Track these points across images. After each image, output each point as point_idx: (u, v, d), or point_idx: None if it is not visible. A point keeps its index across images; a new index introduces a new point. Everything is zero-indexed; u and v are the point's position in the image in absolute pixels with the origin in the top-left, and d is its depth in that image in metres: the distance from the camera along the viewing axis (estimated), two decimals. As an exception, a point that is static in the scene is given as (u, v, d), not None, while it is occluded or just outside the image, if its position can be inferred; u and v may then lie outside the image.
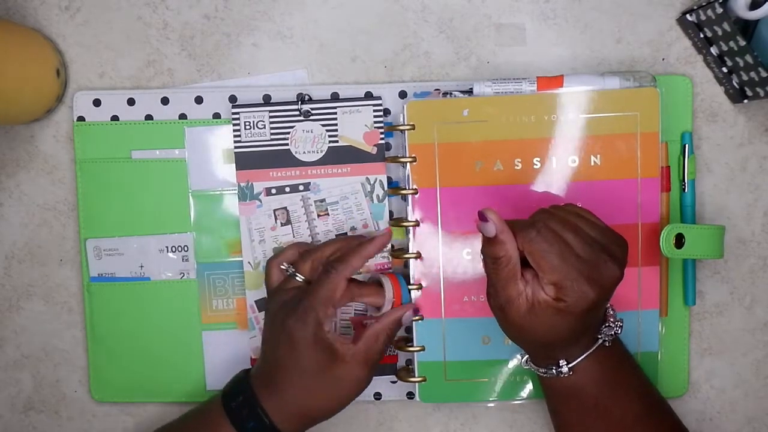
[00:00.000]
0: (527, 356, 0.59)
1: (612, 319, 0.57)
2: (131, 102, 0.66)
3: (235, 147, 0.64)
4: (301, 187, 0.64)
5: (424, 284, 0.63)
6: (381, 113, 0.64)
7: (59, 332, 0.69)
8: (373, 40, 0.66)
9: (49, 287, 0.69)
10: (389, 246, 0.64)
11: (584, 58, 0.65)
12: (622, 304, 0.63)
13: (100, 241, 0.67)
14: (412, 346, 0.64)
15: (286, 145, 0.64)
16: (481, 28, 0.65)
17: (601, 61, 0.65)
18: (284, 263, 0.62)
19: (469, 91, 0.63)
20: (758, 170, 0.66)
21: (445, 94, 0.63)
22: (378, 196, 0.64)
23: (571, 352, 0.56)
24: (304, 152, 0.64)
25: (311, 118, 0.63)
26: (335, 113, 0.64)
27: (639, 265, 0.63)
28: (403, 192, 0.63)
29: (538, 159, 0.62)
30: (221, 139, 0.66)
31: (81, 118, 0.66)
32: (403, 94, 0.65)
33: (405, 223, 0.63)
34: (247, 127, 0.64)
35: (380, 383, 0.67)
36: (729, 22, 0.58)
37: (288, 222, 0.65)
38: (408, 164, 0.63)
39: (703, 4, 0.59)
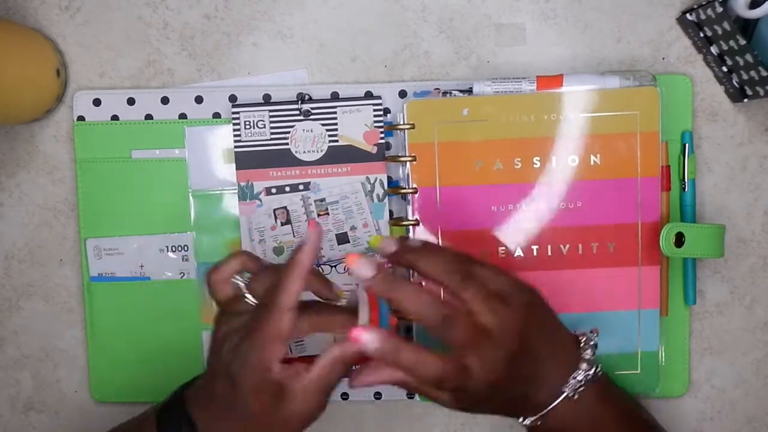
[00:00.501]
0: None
1: (584, 338, 0.55)
2: (131, 102, 0.66)
3: (235, 146, 0.64)
4: (301, 187, 0.64)
5: (423, 284, 0.63)
6: (381, 112, 0.64)
7: (59, 332, 0.69)
8: (373, 40, 0.66)
9: (49, 287, 0.69)
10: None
11: (584, 57, 0.65)
12: (622, 303, 0.63)
13: (100, 241, 0.67)
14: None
15: (287, 144, 0.64)
16: (481, 27, 0.65)
17: (601, 61, 0.65)
18: (237, 277, 0.55)
19: (469, 91, 0.63)
20: (758, 169, 0.66)
21: (444, 93, 0.63)
22: (378, 195, 0.64)
23: (555, 379, 0.53)
24: (304, 152, 0.64)
25: (311, 117, 0.63)
26: (335, 113, 0.64)
27: (639, 265, 0.63)
28: (403, 191, 0.63)
29: (538, 158, 0.62)
30: (221, 139, 0.66)
31: (81, 118, 0.66)
32: (403, 94, 0.65)
33: (405, 223, 0.63)
34: (248, 126, 0.64)
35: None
36: (729, 21, 0.58)
37: (288, 221, 0.65)
38: (408, 163, 0.63)
39: (703, 3, 0.59)
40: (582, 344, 0.55)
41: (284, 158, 0.64)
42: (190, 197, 0.66)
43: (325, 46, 0.66)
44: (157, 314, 0.67)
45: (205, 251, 0.66)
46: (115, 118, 0.66)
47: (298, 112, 0.64)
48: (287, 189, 0.65)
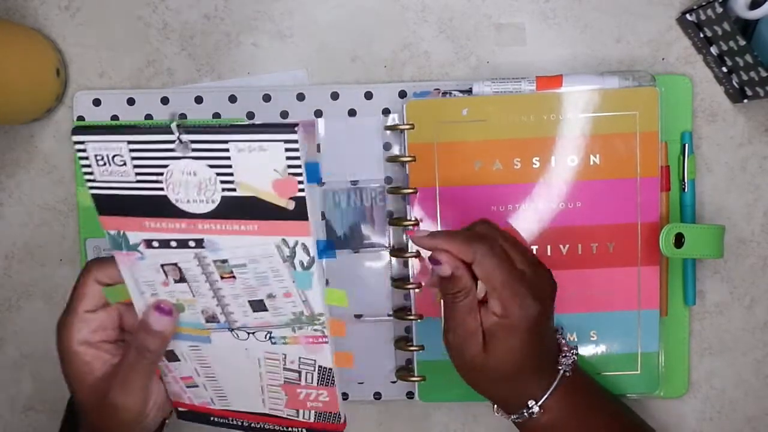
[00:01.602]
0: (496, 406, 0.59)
1: (566, 348, 0.58)
2: (131, 102, 0.66)
3: (90, 188, 0.47)
4: (192, 243, 0.47)
5: (423, 283, 0.63)
6: (297, 151, 0.42)
7: (59, 332, 0.69)
8: (373, 40, 0.66)
9: (49, 287, 0.69)
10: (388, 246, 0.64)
11: (584, 57, 0.65)
12: (621, 303, 0.63)
13: (100, 241, 0.67)
14: (411, 345, 0.64)
15: (161, 189, 0.46)
16: (481, 28, 0.65)
17: (600, 61, 0.65)
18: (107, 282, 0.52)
19: (469, 91, 0.63)
20: (758, 170, 0.66)
21: (444, 93, 0.63)
22: (302, 262, 0.47)
23: (534, 389, 0.56)
24: (188, 201, 0.46)
25: (191, 155, 0.44)
26: (227, 150, 0.44)
27: (639, 265, 0.63)
28: (403, 191, 0.63)
29: (538, 158, 0.62)
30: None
31: (81, 118, 0.66)
32: (402, 94, 0.65)
33: (404, 223, 0.63)
34: (101, 162, 0.46)
35: (380, 383, 0.67)
36: (729, 22, 0.58)
37: (183, 280, 0.49)
38: (407, 163, 0.63)
39: (703, 3, 0.59)
40: (564, 356, 0.58)
41: (162, 207, 0.46)
42: (190, 197, 0.66)
43: (325, 46, 0.66)
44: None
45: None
46: (115, 118, 0.66)
47: (170, 146, 0.44)
48: (173, 244, 0.47)
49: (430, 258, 0.54)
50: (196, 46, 0.66)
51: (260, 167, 0.43)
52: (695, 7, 0.61)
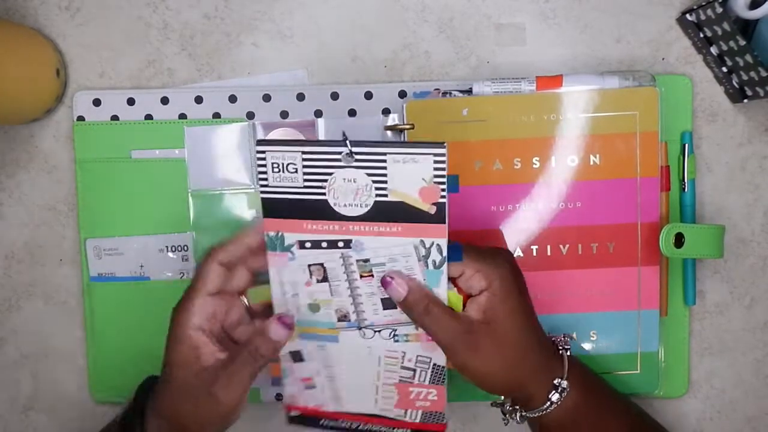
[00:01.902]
0: (518, 409, 0.58)
1: (560, 339, 0.58)
2: (131, 102, 0.66)
3: (261, 192, 0.53)
4: (340, 244, 0.53)
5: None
6: (443, 165, 0.50)
7: (59, 332, 0.69)
8: (373, 40, 0.66)
9: (49, 287, 0.69)
10: None
11: (584, 57, 0.65)
12: (621, 303, 0.63)
13: (100, 241, 0.67)
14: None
15: (324, 195, 0.52)
16: (481, 28, 0.65)
17: (600, 61, 0.65)
18: (243, 298, 0.57)
19: (469, 91, 0.63)
20: (758, 170, 0.66)
21: (444, 93, 0.63)
22: (435, 261, 0.52)
23: (552, 367, 0.56)
24: (345, 205, 0.52)
25: (353, 165, 0.51)
26: (384, 161, 0.50)
27: (639, 265, 0.63)
28: (399, 127, 0.63)
29: (538, 158, 0.62)
30: (221, 139, 0.66)
31: (81, 118, 0.66)
32: (402, 94, 0.65)
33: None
34: (276, 169, 0.52)
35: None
36: (729, 22, 0.58)
37: (325, 279, 0.55)
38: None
39: (703, 3, 0.59)
40: (560, 350, 0.58)
41: (321, 210, 0.53)
42: (190, 197, 0.66)
43: (325, 46, 0.66)
44: (157, 314, 0.67)
45: (205, 251, 0.66)
46: (115, 118, 0.66)
47: (337, 156, 0.51)
48: (324, 245, 0.54)
49: (381, 280, 0.54)
50: (196, 46, 0.66)
51: (411, 176, 0.50)
52: (695, 7, 0.61)
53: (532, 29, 0.65)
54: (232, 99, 0.66)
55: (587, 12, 0.65)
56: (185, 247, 0.67)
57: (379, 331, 0.56)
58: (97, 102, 0.66)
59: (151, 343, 0.67)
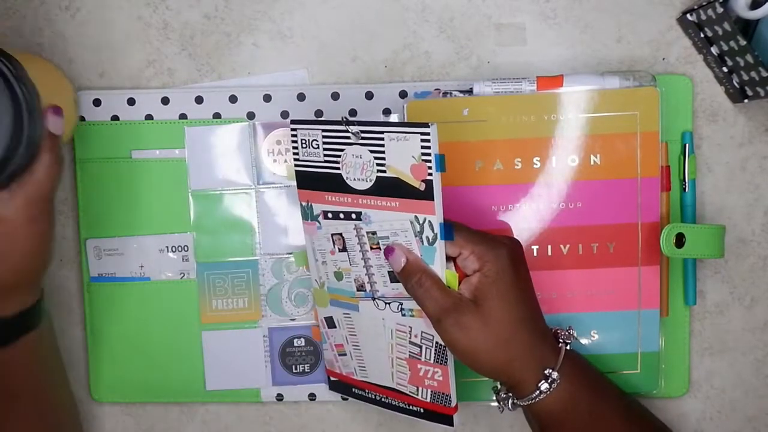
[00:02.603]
0: (511, 396, 0.58)
1: (562, 332, 0.59)
2: (131, 102, 0.66)
3: (295, 165, 0.60)
4: (353, 216, 0.58)
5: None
6: (429, 144, 0.53)
7: (59, 332, 0.69)
8: (373, 40, 0.66)
9: (49, 287, 0.69)
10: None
11: (584, 57, 0.65)
12: (622, 303, 0.63)
13: (100, 241, 0.67)
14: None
15: (338, 169, 0.57)
16: (481, 28, 0.65)
17: (601, 61, 0.65)
18: None
19: (469, 91, 0.63)
20: (758, 170, 0.66)
21: (445, 93, 0.63)
22: (428, 238, 0.55)
23: (545, 356, 0.56)
24: (354, 179, 0.57)
25: (360, 142, 0.56)
26: (382, 139, 0.55)
27: (639, 265, 0.63)
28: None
29: (538, 158, 0.62)
30: (221, 139, 0.66)
31: (81, 118, 0.66)
32: (403, 94, 0.65)
33: None
34: (304, 145, 0.58)
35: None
36: (729, 22, 0.58)
37: (344, 249, 0.59)
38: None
39: (704, 3, 0.59)
40: (560, 343, 0.58)
41: (337, 183, 0.58)
42: (190, 197, 0.66)
43: (325, 46, 0.66)
44: (157, 314, 0.67)
45: (205, 251, 0.66)
46: (115, 118, 0.66)
47: (348, 134, 0.56)
48: (341, 216, 0.58)
49: (384, 249, 0.56)
50: (196, 46, 0.66)
51: (403, 153, 0.54)
52: (696, 7, 0.61)
53: (533, 29, 0.65)
54: (233, 99, 0.66)
55: (587, 12, 0.65)
56: (185, 247, 0.67)
57: (389, 303, 0.59)
58: (97, 102, 0.66)
59: (151, 344, 0.68)
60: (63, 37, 0.66)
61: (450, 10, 0.65)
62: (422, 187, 0.54)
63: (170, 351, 0.68)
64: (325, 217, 0.59)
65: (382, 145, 0.55)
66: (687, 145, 0.64)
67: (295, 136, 0.59)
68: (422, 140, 0.53)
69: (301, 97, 0.65)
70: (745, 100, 0.63)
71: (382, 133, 0.55)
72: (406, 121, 0.62)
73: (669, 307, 0.65)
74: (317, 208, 0.59)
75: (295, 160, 0.60)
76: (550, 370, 0.55)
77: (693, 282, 0.65)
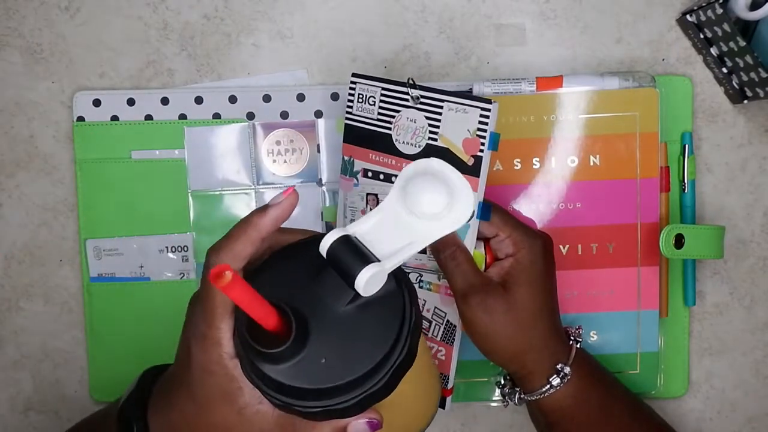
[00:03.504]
0: (519, 391, 0.58)
1: (572, 330, 0.59)
2: (131, 102, 0.66)
3: (346, 118, 0.60)
4: (393, 179, 0.55)
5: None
6: (487, 120, 0.54)
7: (59, 332, 0.69)
8: (373, 40, 0.66)
9: (49, 287, 0.69)
10: None
11: (584, 58, 0.65)
12: (621, 304, 0.63)
13: (100, 242, 0.67)
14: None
15: (389, 129, 0.58)
16: (481, 28, 0.65)
17: (601, 61, 0.65)
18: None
19: (469, 92, 0.63)
20: (758, 171, 0.66)
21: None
22: None
23: (559, 350, 0.56)
24: (403, 142, 0.57)
25: (417, 106, 0.56)
26: (441, 108, 0.55)
27: (639, 266, 0.63)
28: None
29: (538, 159, 0.62)
30: (221, 140, 0.66)
31: (81, 118, 0.66)
32: (403, 94, 0.65)
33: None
34: (360, 100, 0.59)
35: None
36: (729, 23, 0.58)
37: None
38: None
39: (703, 4, 0.59)
40: (571, 340, 0.58)
41: (385, 144, 0.58)
42: (190, 198, 0.66)
43: (325, 46, 0.66)
44: (157, 315, 0.67)
45: (205, 251, 0.66)
46: (115, 118, 0.66)
47: (407, 96, 0.57)
48: (381, 177, 0.59)
49: None
50: (196, 46, 0.66)
51: (459, 125, 0.54)
52: (695, 8, 0.61)
53: (532, 30, 0.65)
54: (232, 99, 0.66)
55: (587, 12, 0.65)
56: (185, 248, 0.67)
57: (408, 273, 0.59)
58: (97, 102, 0.66)
59: (151, 344, 0.68)
60: (63, 37, 0.66)
61: (450, 11, 0.65)
62: (470, 162, 0.54)
63: (170, 351, 0.67)
64: (365, 175, 0.59)
65: (440, 114, 0.55)
66: (686, 145, 0.64)
67: (353, 89, 0.59)
68: (481, 115, 0.53)
69: (300, 97, 0.65)
70: (745, 101, 0.63)
71: (442, 101, 0.55)
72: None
73: (668, 307, 0.65)
74: (358, 165, 0.60)
75: (348, 112, 0.60)
76: (563, 365, 0.56)
77: (692, 283, 0.65)
